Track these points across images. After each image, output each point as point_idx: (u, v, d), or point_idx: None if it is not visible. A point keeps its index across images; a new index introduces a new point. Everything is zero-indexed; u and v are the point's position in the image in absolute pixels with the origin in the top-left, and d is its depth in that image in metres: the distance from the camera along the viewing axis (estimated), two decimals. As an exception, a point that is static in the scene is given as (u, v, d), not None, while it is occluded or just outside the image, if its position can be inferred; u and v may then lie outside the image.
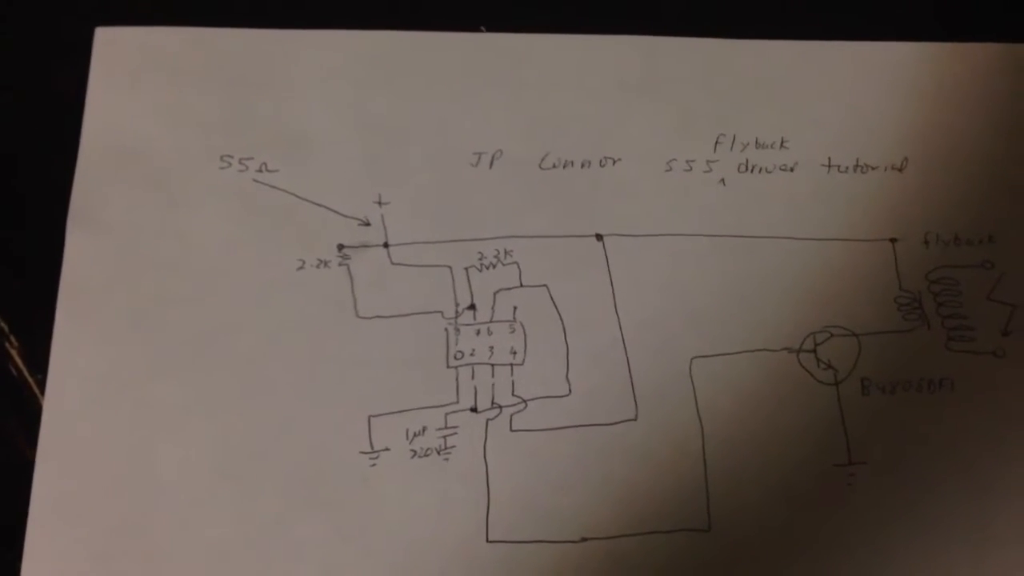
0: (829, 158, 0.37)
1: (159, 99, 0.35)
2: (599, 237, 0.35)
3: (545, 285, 0.35)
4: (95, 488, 0.32)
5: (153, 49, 0.36)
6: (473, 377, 0.34)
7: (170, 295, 0.34)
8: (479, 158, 0.36)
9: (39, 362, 0.33)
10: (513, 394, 0.34)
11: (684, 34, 0.38)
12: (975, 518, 0.34)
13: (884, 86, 0.38)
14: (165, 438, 0.32)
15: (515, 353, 0.34)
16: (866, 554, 0.33)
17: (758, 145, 0.37)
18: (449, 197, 0.35)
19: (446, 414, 0.33)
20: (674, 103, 0.37)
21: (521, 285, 0.35)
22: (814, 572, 0.33)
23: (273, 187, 0.35)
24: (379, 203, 0.35)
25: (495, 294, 0.35)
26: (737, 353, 0.35)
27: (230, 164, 0.35)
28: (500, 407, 0.33)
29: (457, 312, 0.34)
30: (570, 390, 0.34)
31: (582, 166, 0.36)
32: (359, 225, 0.35)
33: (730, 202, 0.36)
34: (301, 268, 0.34)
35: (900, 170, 0.37)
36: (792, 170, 0.37)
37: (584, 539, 0.32)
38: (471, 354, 0.34)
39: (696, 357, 0.34)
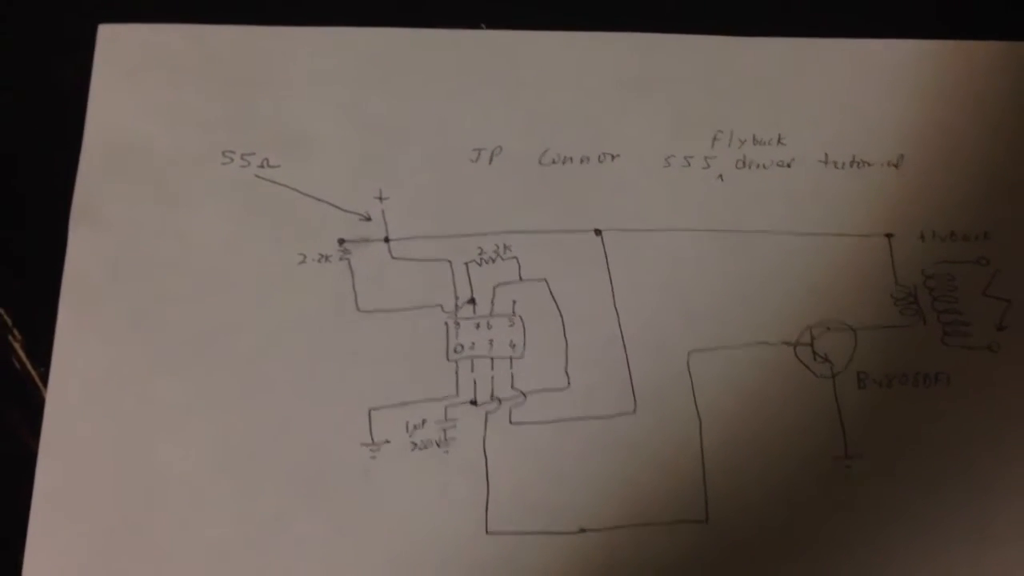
0: (826, 154, 0.37)
1: (161, 96, 0.36)
2: (598, 232, 0.36)
3: (544, 279, 0.35)
4: (97, 484, 0.32)
5: (155, 46, 0.36)
6: (473, 370, 0.34)
7: (172, 290, 0.34)
8: (479, 154, 0.36)
9: (42, 355, 0.33)
10: (512, 387, 0.34)
11: (682, 31, 0.38)
12: (971, 511, 0.34)
13: (881, 83, 0.38)
14: (166, 433, 0.32)
15: (514, 346, 0.34)
16: (863, 545, 0.33)
17: (756, 141, 0.37)
18: (449, 192, 0.36)
19: (446, 407, 0.33)
20: (672, 100, 0.37)
21: (520, 279, 0.35)
22: (811, 562, 0.33)
23: (275, 182, 0.35)
24: (380, 198, 0.35)
25: (495, 288, 0.35)
26: (735, 347, 0.35)
27: (232, 160, 0.35)
28: (499, 400, 0.34)
29: (457, 306, 0.34)
30: (569, 383, 0.34)
31: (581, 162, 0.36)
32: (360, 220, 0.35)
33: (728, 198, 0.36)
34: (302, 263, 0.34)
35: (897, 166, 0.37)
36: (789, 166, 0.37)
37: (583, 530, 0.33)
38: (471, 347, 0.34)
39: (694, 351, 0.35)
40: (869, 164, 0.37)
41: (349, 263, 0.35)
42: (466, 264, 0.35)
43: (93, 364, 0.33)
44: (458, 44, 0.37)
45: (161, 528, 0.32)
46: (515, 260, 0.35)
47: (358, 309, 0.34)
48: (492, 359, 0.34)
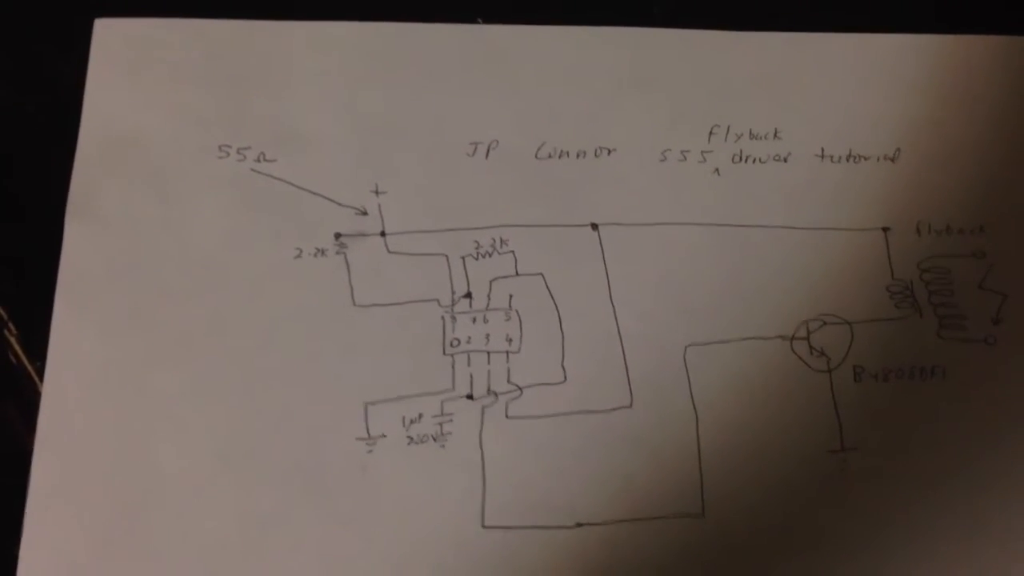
0: (822, 148, 0.37)
1: (158, 90, 0.36)
2: (594, 226, 0.36)
3: (541, 274, 0.35)
4: (93, 478, 0.32)
5: (152, 41, 0.36)
6: (469, 364, 0.34)
7: (168, 285, 0.34)
8: (475, 148, 0.36)
9: (38, 351, 0.33)
10: (509, 381, 0.34)
11: (679, 26, 0.38)
12: (967, 504, 0.34)
13: (877, 77, 0.38)
14: (163, 427, 0.32)
15: (511, 341, 0.34)
16: (859, 538, 0.33)
17: (752, 136, 0.37)
18: (446, 186, 0.36)
19: (442, 401, 0.33)
20: (669, 94, 0.37)
21: (517, 274, 0.35)
22: (807, 556, 0.33)
23: (271, 177, 0.35)
24: (376, 192, 0.35)
25: (491, 282, 0.35)
26: (731, 341, 0.35)
27: (228, 154, 0.35)
28: (496, 394, 0.34)
29: (453, 300, 0.34)
30: (565, 377, 0.34)
31: (577, 156, 0.36)
32: (356, 214, 0.35)
33: (724, 192, 0.36)
34: (298, 257, 0.34)
35: (893, 160, 0.37)
36: (785, 160, 0.37)
37: (579, 524, 0.33)
38: (467, 342, 0.34)
39: (690, 345, 0.35)
40: (865, 158, 0.37)
41: (345, 257, 0.35)
42: (462, 258, 0.35)
43: (89, 359, 0.33)
44: (455, 39, 0.37)
45: (157, 523, 0.32)
46: (511, 254, 0.35)
47: (354, 303, 0.34)
48: (488, 353, 0.34)
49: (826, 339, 0.35)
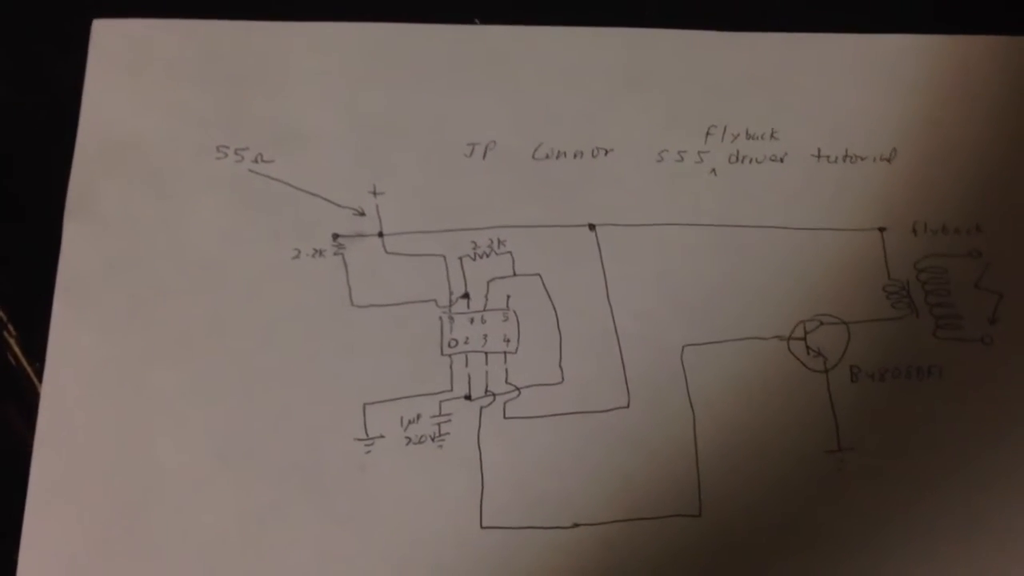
0: (819, 149, 0.37)
1: (156, 91, 0.36)
2: (591, 227, 0.36)
3: (538, 274, 0.35)
4: (92, 476, 0.32)
5: (150, 42, 0.36)
6: (467, 365, 0.34)
7: (166, 285, 0.34)
8: (473, 149, 0.36)
9: (37, 351, 0.33)
10: (506, 382, 0.34)
11: (676, 27, 0.38)
12: (964, 503, 0.34)
13: (873, 78, 0.38)
14: (161, 426, 0.32)
15: (508, 341, 0.34)
16: (856, 538, 0.33)
17: (748, 136, 0.37)
18: (443, 187, 0.36)
19: (440, 401, 0.33)
20: (665, 95, 0.37)
21: (514, 274, 0.35)
22: (804, 557, 0.33)
23: (269, 177, 0.35)
24: (374, 193, 0.35)
25: (489, 283, 0.35)
26: (728, 341, 0.35)
27: (226, 155, 0.35)
28: (494, 395, 0.34)
29: (451, 301, 0.35)
30: (563, 378, 0.34)
31: (575, 157, 0.36)
32: (354, 215, 0.35)
33: (721, 192, 0.37)
34: (296, 257, 0.34)
35: (889, 161, 0.37)
36: (782, 161, 0.37)
37: (576, 525, 0.33)
38: (465, 342, 0.34)
39: (688, 345, 0.35)
40: (862, 158, 0.37)
41: (343, 258, 0.35)
42: (460, 259, 0.35)
43: (88, 359, 0.33)
44: (452, 39, 0.37)
45: (156, 522, 0.32)
46: (509, 255, 0.35)
47: (352, 304, 0.34)
48: (486, 354, 0.34)
49: (823, 339, 0.35)
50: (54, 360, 0.33)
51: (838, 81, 0.38)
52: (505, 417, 0.34)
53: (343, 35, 0.37)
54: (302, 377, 0.33)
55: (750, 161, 0.37)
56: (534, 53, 0.37)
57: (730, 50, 0.38)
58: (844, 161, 0.37)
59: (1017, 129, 0.38)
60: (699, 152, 0.37)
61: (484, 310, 0.35)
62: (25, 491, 0.32)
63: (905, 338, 0.35)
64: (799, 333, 0.35)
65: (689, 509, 0.33)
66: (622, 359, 0.34)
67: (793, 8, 0.39)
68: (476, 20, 0.38)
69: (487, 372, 0.34)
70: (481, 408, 0.34)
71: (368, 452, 0.33)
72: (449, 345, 0.34)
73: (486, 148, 0.36)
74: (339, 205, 0.35)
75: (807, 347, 0.35)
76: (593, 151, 0.37)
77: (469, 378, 0.34)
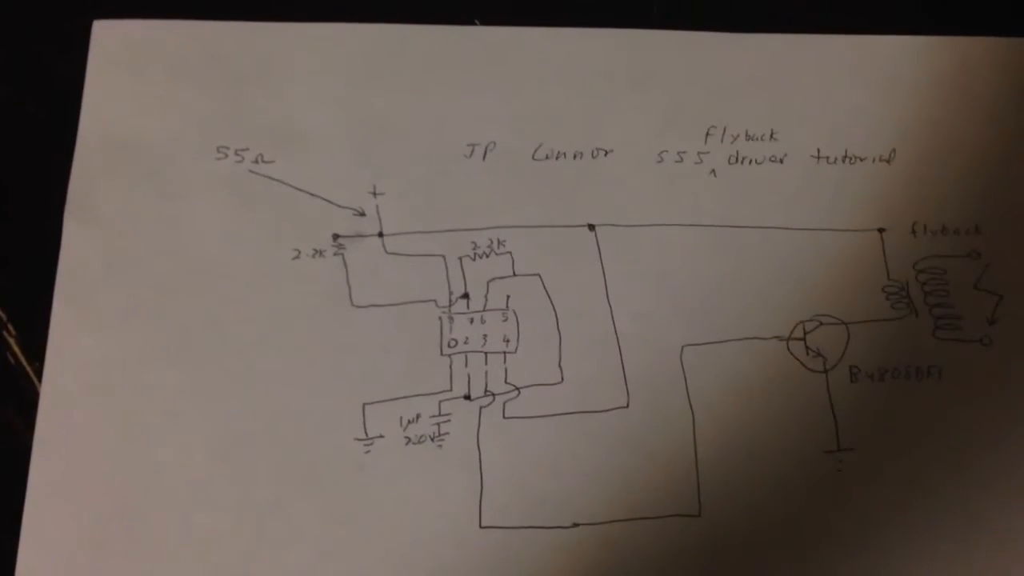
0: (818, 149, 0.37)
1: (156, 91, 0.36)
2: (591, 227, 0.36)
3: (538, 274, 0.35)
4: (92, 475, 0.32)
5: (150, 42, 0.36)
6: (466, 365, 0.34)
7: (166, 285, 0.34)
8: (473, 149, 0.36)
9: (37, 351, 0.33)
10: (506, 382, 0.34)
11: (675, 27, 0.38)
12: (963, 504, 0.34)
13: (873, 79, 0.38)
14: (161, 426, 0.32)
15: (508, 341, 0.34)
16: (856, 538, 0.33)
17: (748, 137, 0.37)
18: (443, 187, 0.36)
19: (440, 401, 0.34)
20: (665, 96, 0.37)
21: (514, 274, 0.35)
22: (804, 557, 0.33)
23: (269, 178, 0.35)
24: (374, 194, 0.35)
25: (488, 283, 0.35)
26: (728, 341, 0.35)
27: (226, 155, 0.35)
28: (493, 395, 0.34)
29: (451, 301, 0.35)
30: (562, 378, 0.34)
31: (574, 157, 0.37)
32: (354, 215, 0.35)
33: (720, 193, 0.37)
34: (296, 258, 0.34)
35: (888, 161, 0.37)
36: (782, 161, 0.37)
37: (576, 524, 0.33)
38: (464, 342, 0.34)
39: (687, 345, 0.35)
40: (861, 159, 0.37)
41: (343, 258, 0.35)
42: (460, 259, 0.35)
43: (87, 359, 0.33)
44: (452, 40, 0.37)
45: (155, 521, 0.32)
46: (509, 255, 0.35)
47: (352, 304, 0.34)
48: (486, 354, 0.34)
49: (822, 339, 0.35)
50: (54, 360, 0.33)
51: (838, 82, 0.38)
52: (505, 417, 0.34)
53: (343, 36, 0.37)
54: (302, 377, 0.33)
55: (750, 162, 0.37)
56: (534, 54, 0.37)
57: (730, 51, 0.38)
58: (844, 162, 0.37)
59: (1017, 130, 0.38)
60: (699, 153, 0.37)
61: (484, 310, 0.35)
62: (24, 491, 0.32)
63: (904, 338, 0.35)
64: (799, 333, 0.35)
65: (689, 509, 0.33)
66: (622, 359, 0.34)
67: (793, 9, 0.39)
68: (476, 21, 0.38)
69: (487, 372, 0.34)
70: (480, 408, 0.34)
71: (367, 452, 0.33)
72: (449, 345, 0.34)
73: (486, 148, 0.36)
74: (339, 205, 0.35)
75: (807, 347, 0.35)
76: (593, 152, 0.37)
77: (469, 378, 0.34)
